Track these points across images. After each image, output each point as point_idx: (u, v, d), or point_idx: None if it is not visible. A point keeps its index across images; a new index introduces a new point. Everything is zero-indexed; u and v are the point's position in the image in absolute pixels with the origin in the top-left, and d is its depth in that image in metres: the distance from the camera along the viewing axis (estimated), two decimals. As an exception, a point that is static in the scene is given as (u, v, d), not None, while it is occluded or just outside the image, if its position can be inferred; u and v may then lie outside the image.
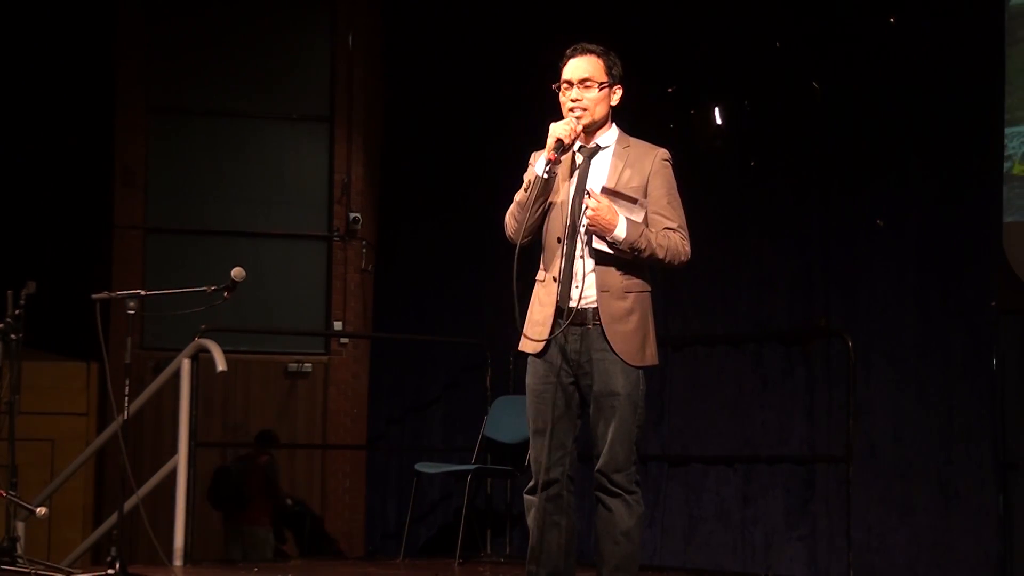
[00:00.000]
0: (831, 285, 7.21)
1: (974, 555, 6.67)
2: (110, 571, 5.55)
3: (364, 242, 8.21)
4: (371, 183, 8.32)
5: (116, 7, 8.12)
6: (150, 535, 6.11)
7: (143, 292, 5.81)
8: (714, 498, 7.35)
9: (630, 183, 4.24)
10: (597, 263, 4.19)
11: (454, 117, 8.08)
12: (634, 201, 4.18)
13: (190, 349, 6.62)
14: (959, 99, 6.89)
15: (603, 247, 4.16)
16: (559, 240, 4.24)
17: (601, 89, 4.27)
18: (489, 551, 7.66)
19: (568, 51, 4.32)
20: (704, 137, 7.54)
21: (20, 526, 6.47)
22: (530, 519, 4.29)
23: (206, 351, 6.55)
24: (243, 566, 6.84)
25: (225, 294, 5.58)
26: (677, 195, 4.32)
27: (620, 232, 4.13)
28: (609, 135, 4.34)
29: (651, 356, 4.27)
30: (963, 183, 6.90)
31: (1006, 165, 6.88)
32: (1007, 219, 6.84)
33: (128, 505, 5.86)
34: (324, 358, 8.18)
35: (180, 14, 8.20)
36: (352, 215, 8.14)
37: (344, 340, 8.15)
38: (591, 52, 4.30)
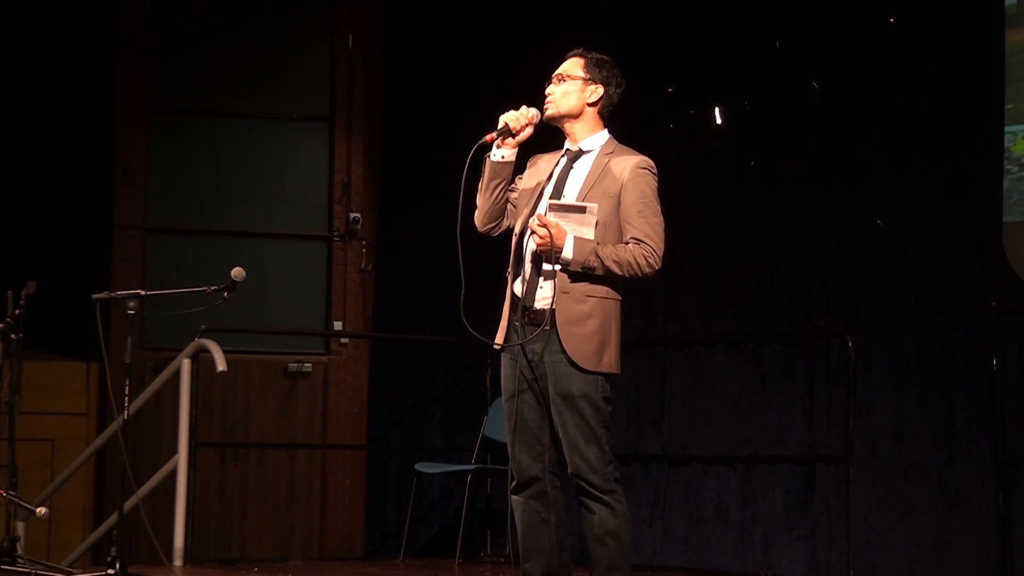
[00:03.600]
0: (831, 285, 7.21)
1: (974, 555, 6.66)
2: (110, 571, 5.55)
3: (364, 242, 8.21)
4: (371, 183, 8.32)
5: (116, 7, 8.12)
6: (150, 535, 6.11)
7: (143, 292, 5.81)
8: (714, 498, 7.35)
9: (601, 191, 4.26)
10: (561, 267, 4.22)
11: (454, 117, 8.07)
12: (582, 210, 4.19)
13: (190, 349, 6.62)
14: (959, 99, 6.88)
15: (553, 267, 4.19)
16: (516, 236, 4.34)
17: (570, 83, 4.33)
18: (489, 551, 7.66)
19: None
20: (704, 137, 7.54)
21: (20, 526, 6.48)
22: (517, 519, 4.31)
23: (206, 351, 6.55)
24: (243, 566, 6.84)
25: (225, 294, 5.58)
26: (652, 203, 4.29)
27: (567, 253, 4.17)
28: (595, 140, 4.37)
29: (609, 364, 4.25)
30: (963, 183, 6.89)
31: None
32: (1007, 219, 6.84)
33: (128, 505, 5.86)
34: (324, 358, 8.18)
35: (180, 14, 8.20)
36: (352, 215, 8.14)
37: (344, 340, 8.15)
38: (576, 52, 4.43)
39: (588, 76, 4.35)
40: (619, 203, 4.25)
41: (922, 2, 7.03)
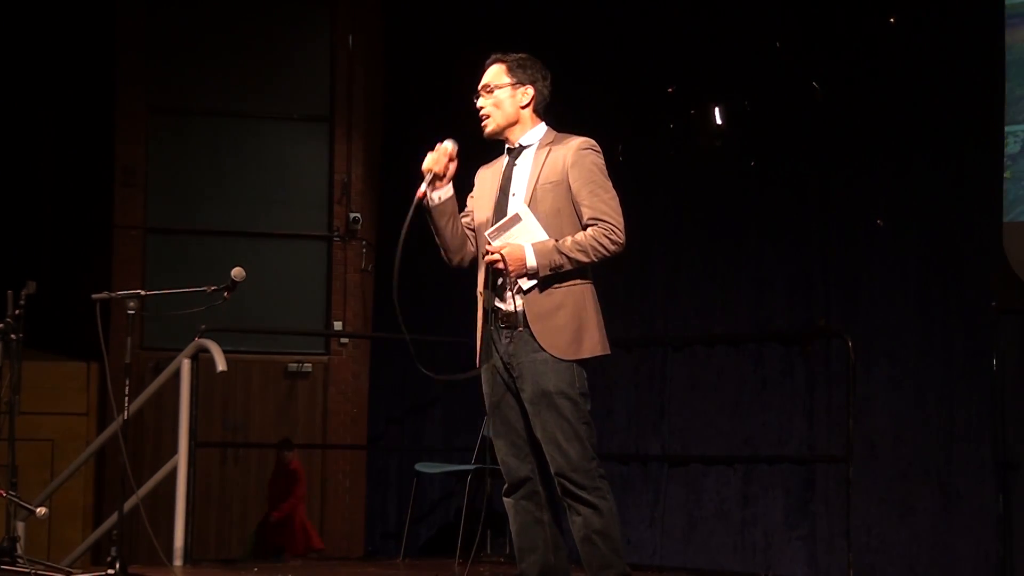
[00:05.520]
0: (831, 285, 7.21)
1: (974, 555, 6.67)
2: (110, 571, 5.55)
3: (364, 242, 8.21)
4: (371, 183, 8.33)
5: (116, 7, 8.12)
6: (150, 535, 6.11)
7: (143, 292, 5.81)
8: (714, 498, 7.35)
9: (548, 180, 4.27)
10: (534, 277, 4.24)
11: (454, 117, 8.06)
12: (517, 219, 4.22)
13: (190, 349, 6.62)
14: (959, 99, 6.88)
15: (528, 283, 4.22)
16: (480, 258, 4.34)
17: (499, 92, 4.35)
18: (489, 551, 7.66)
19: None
20: (704, 137, 7.54)
21: (20, 526, 6.48)
22: (511, 520, 4.32)
23: (206, 351, 6.54)
24: (243, 566, 6.84)
25: (225, 294, 5.57)
26: (601, 180, 4.27)
27: (531, 262, 4.19)
28: (533, 134, 4.39)
29: (592, 347, 4.25)
30: (963, 183, 6.90)
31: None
32: (1007, 219, 6.84)
33: (128, 505, 5.86)
34: (324, 358, 8.18)
35: (180, 14, 8.21)
36: (352, 215, 8.14)
37: (344, 340, 8.15)
38: (495, 59, 4.42)
39: (515, 80, 4.36)
40: (569, 188, 4.26)
41: (922, 2, 7.03)
